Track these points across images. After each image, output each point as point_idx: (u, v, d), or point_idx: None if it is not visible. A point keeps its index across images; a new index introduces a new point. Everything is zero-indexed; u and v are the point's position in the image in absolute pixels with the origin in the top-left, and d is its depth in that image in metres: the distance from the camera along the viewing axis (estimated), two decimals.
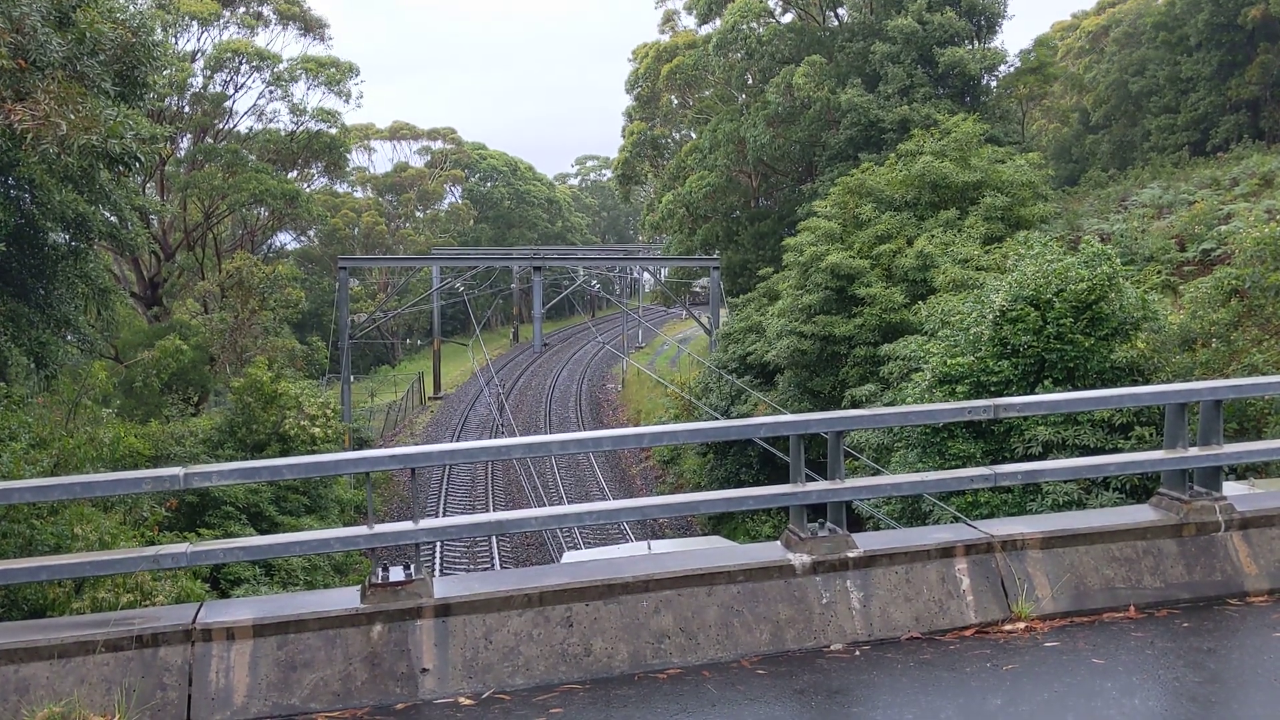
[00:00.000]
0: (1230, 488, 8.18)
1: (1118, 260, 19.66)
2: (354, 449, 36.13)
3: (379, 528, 6.74)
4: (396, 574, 6.58)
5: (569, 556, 19.52)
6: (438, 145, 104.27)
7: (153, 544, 13.60)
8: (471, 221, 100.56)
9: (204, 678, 6.17)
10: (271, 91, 51.64)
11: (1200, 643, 6.56)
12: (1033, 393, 17.38)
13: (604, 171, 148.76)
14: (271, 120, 53.56)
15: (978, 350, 18.97)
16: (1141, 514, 7.73)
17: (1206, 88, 54.36)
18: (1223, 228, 28.68)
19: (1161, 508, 7.72)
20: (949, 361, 19.09)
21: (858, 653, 6.65)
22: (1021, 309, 18.49)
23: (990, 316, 18.98)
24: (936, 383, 19.16)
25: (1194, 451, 7.60)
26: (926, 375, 19.62)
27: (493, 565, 32.66)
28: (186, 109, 50.21)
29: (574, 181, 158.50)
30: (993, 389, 18.16)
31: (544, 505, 37.73)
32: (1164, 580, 7.32)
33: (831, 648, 6.74)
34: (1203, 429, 7.63)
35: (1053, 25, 73.98)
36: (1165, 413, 7.76)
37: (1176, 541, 7.46)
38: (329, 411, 34.69)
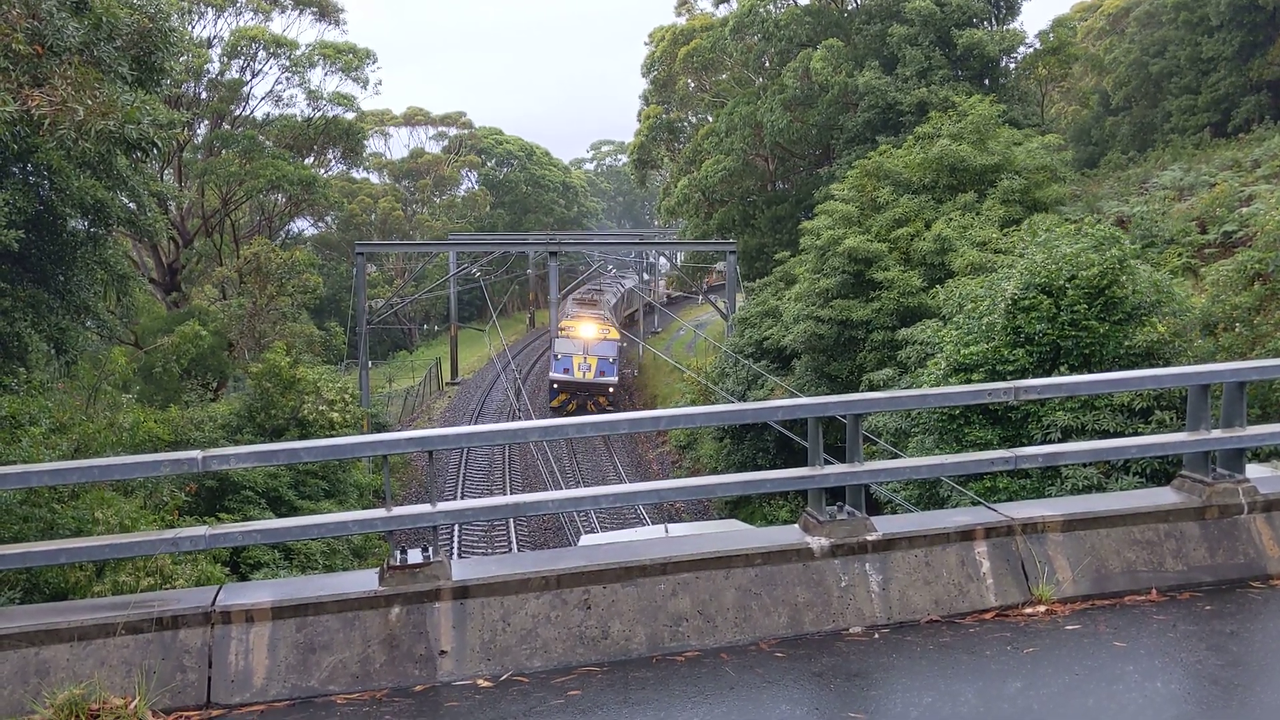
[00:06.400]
0: (1253, 470, 8.11)
1: (1128, 243, 19.48)
2: (372, 434, 36.24)
3: (396, 510, 6.74)
4: (414, 556, 6.59)
5: (586, 540, 19.55)
6: (453, 131, 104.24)
7: (172, 528, 13.68)
8: (488, 207, 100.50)
9: (223, 660, 6.19)
10: (288, 78, 51.72)
11: (1223, 626, 6.51)
12: None
13: (619, 156, 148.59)
14: (288, 106, 53.68)
15: (991, 339, 18.87)
16: (1163, 496, 7.67)
17: (1228, 68, 53.76)
18: (1244, 210, 28.42)
19: (1184, 490, 7.66)
20: (963, 350, 19.00)
21: (876, 636, 6.63)
22: (1034, 297, 18.37)
23: (1002, 305, 18.86)
24: (951, 371, 19.09)
25: (1217, 434, 7.53)
26: (941, 363, 19.54)
27: (510, 549, 32.76)
28: (203, 95, 50.33)
29: (589, 166, 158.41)
30: (1008, 377, 18.05)
31: (561, 489, 37.79)
32: (1186, 563, 7.27)
33: (850, 631, 6.71)
34: (1225, 411, 7.56)
35: (1073, 6, 73.23)
36: (1188, 395, 7.69)
37: (1199, 524, 7.40)
38: (347, 397, 34.82)
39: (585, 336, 51.95)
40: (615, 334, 54.04)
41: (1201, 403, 7.53)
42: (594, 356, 51.10)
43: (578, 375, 50.54)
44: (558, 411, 50.73)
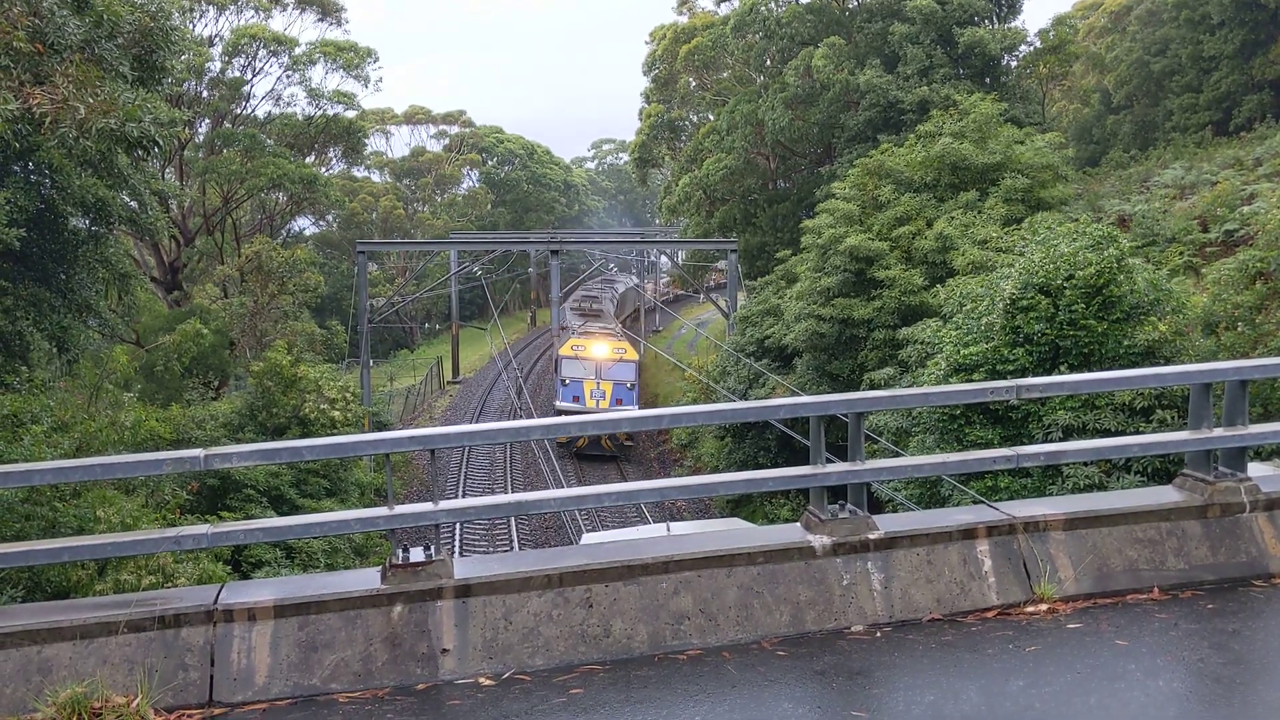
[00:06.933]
0: (1255, 469, 8.10)
1: (1124, 241, 19.48)
2: (374, 432, 36.17)
3: (399, 509, 6.73)
4: (417, 555, 6.58)
5: (588, 538, 19.53)
6: (454, 130, 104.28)
7: (174, 526, 13.68)
8: (489, 205, 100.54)
9: (226, 658, 6.19)
10: (289, 76, 51.72)
11: (1224, 624, 6.51)
12: None
13: (621, 155, 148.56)
14: (289, 105, 53.67)
15: (990, 339, 18.87)
16: (1165, 495, 7.67)
17: (1229, 66, 53.73)
18: (1246, 208, 28.43)
19: (1185, 489, 7.66)
20: (963, 350, 19.00)
21: (879, 634, 6.63)
22: (1032, 297, 18.37)
23: (1001, 305, 18.86)
24: (951, 371, 19.09)
25: (1219, 432, 7.52)
26: (941, 364, 19.53)
27: (511, 547, 32.76)
28: (204, 94, 50.32)
29: (590, 165, 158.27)
30: (1008, 377, 18.02)
31: (562, 487, 37.67)
32: (1188, 561, 7.26)
33: (852, 629, 6.71)
34: (1228, 409, 7.55)
35: (1074, 4, 73.17)
36: (1190, 393, 7.68)
37: (1201, 523, 7.40)
38: (348, 395, 34.81)
39: (597, 357, 43.32)
40: (633, 353, 44.72)
41: (1203, 401, 7.53)
42: (608, 382, 42.78)
43: (589, 405, 42.31)
44: (565, 449, 43.39)
